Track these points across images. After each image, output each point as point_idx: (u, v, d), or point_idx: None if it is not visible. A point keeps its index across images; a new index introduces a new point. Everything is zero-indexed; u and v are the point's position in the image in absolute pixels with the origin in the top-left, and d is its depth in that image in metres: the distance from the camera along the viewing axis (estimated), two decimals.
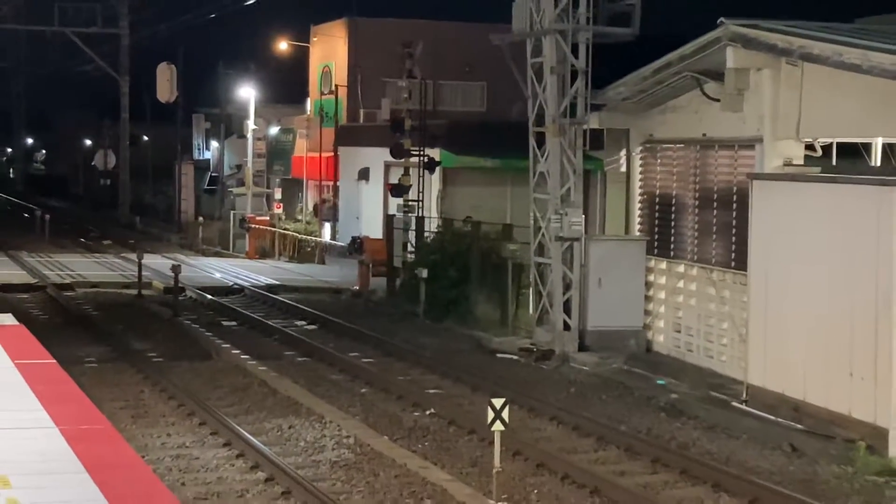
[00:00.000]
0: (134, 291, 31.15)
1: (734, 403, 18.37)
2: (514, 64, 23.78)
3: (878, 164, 20.62)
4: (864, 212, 16.03)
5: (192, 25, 54.57)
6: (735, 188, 20.11)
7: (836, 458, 15.31)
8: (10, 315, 14.63)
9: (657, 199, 22.73)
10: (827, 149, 20.15)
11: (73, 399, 8.11)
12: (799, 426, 16.82)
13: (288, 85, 50.05)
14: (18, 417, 7.48)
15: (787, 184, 18.27)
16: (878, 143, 20.57)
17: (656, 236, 22.59)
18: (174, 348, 22.76)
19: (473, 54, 33.10)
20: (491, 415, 13.23)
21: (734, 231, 20.17)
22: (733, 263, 20.11)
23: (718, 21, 19.82)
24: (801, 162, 19.36)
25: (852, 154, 20.95)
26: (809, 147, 19.62)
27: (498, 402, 13.29)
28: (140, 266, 31.68)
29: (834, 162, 20.15)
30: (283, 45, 49.12)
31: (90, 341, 23.45)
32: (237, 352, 22.73)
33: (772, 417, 17.38)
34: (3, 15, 46.85)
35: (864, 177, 17.75)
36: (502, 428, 13.25)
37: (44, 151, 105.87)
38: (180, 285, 29.36)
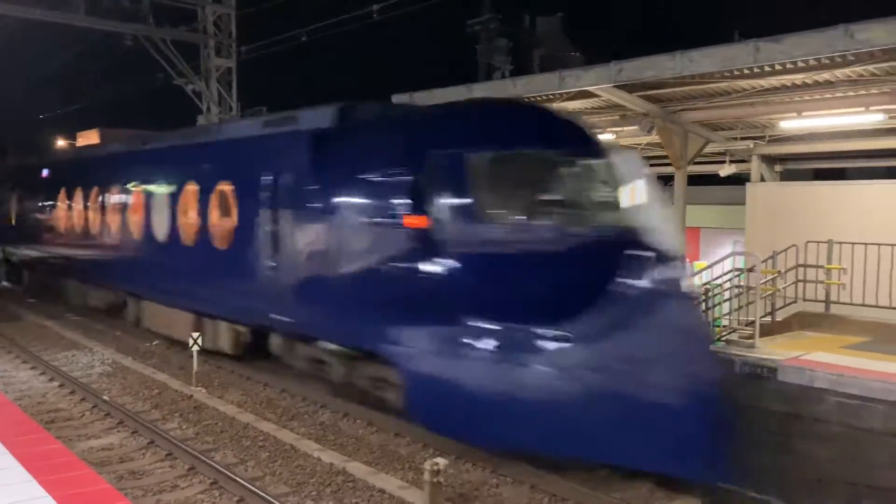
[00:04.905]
0: None
1: None
2: None
3: None
4: None
5: None
6: None
7: None
8: None
9: None
10: None
11: None
12: None
13: None
14: None
15: None
16: None
17: None
18: None
19: None
20: (191, 342, 13.26)
21: None
22: None
23: None
24: None
25: None
26: None
27: (195, 335, 13.34)
28: None
29: None
30: (61, 142, 46.07)
31: None
32: None
33: None
34: None
35: None
36: (198, 348, 13.28)
37: None
38: None
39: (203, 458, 9.18)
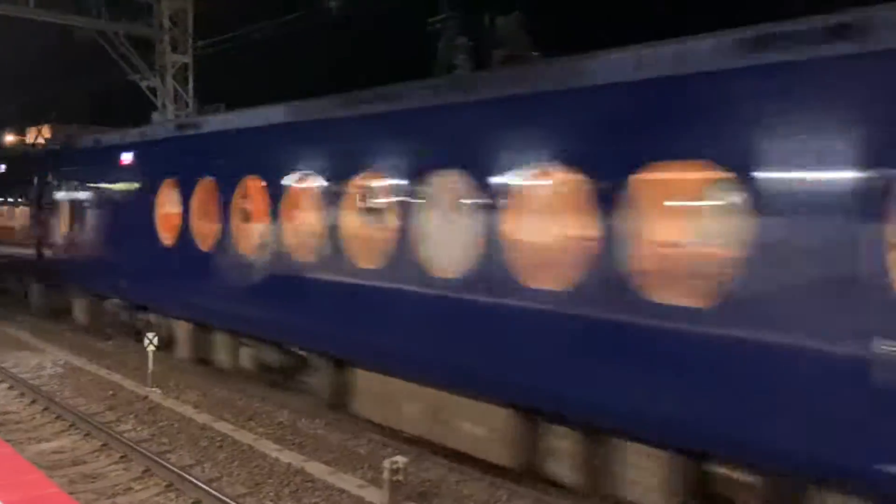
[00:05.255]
0: None
1: None
2: None
3: None
4: None
5: None
6: None
7: None
8: None
9: None
10: None
11: None
12: None
13: None
14: None
15: None
16: None
17: None
18: None
19: None
20: (147, 342, 13.02)
21: None
22: None
23: None
24: None
25: None
26: None
27: (150, 335, 13.05)
28: None
29: None
30: (9, 138, 44.14)
31: None
32: None
33: None
34: None
35: None
36: (153, 348, 13.01)
37: None
38: None
39: (159, 460, 9.09)
